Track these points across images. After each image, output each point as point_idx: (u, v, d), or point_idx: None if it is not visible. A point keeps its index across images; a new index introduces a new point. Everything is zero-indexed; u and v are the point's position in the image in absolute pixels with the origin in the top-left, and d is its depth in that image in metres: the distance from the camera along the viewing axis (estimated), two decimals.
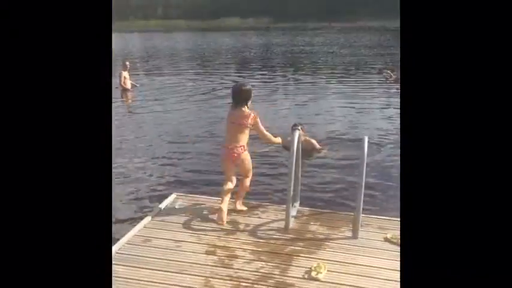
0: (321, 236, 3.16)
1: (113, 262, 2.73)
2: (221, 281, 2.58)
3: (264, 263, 2.79)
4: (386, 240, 3.11)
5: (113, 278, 2.39)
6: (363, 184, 3.11)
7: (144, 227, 3.21)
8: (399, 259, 2.76)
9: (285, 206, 3.37)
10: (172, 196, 3.76)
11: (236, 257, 2.85)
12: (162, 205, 3.56)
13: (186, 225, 3.25)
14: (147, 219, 3.31)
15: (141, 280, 2.56)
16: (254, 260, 2.82)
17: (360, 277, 2.66)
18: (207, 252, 2.89)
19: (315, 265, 2.75)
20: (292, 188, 3.24)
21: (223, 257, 2.83)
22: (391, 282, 2.61)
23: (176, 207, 3.54)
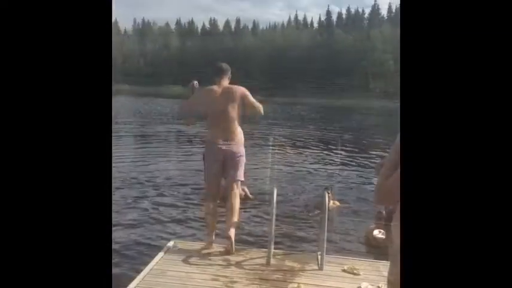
0: (296, 269, 4.12)
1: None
2: None
3: (257, 285, 3.68)
4: (344, 271, 4.11)
5: None
6: (326, 227, 4.16)
7: (157, 263, 4.02)
8: (354, 283, 3.79)
9: (263, 248, 4.35)
10: (171, 242, 4.58)
11: (235, 282, 3.73)
12: (164, 249, 4.36)
13: (190, 262, 4.09)
14: (159, 256, 4.13)
15: None
16: (250, 283, 3.71)
17: None
18: (213, 279, 3.75)
19: (295, 286, 3.69)
20: (273, 230, 4.22)
21: (226, 282, 3.70)
22: None
23: (177, 249, 4.37)
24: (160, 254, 4.26)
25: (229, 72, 4.48)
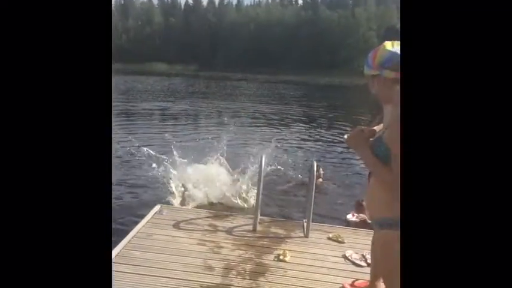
0: (282, 236, 4.14)
1: (129, 249, 3.50)
2: (215, 261, 3.44)
3: (243, 251, 3.69)
4: (329, 238, 4.14)
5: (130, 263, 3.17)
6: (313, 195, 4.17)
7: (143, 226, 3.99)
8: (339, 250, 3.83)
9: (249, 215, 4.35)
10: (157, 206, 4.55)
11: (222, 247, 3.73)
12: (150, 213, 4.34)
13: (176, 227, 4.07)
14: (146, 219, 4.10)
15: (156, 260, 3.34)
16: (235, 249, 3.71)
17: (314, 260, 3.65)
18: (199, 244, 3.74)
19: (281, 252, 3.70)
20: (260, 198, 4.21)
21: (212, 247, 3.70)
22: (334, 263, 3.63)
23: (164, 213, 4.35)
24: (147, 218, 4.23)
25: None
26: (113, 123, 12.50)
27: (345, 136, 2.13)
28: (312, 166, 4.29)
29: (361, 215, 5.39)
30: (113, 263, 3.22)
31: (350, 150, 10.12)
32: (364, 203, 5.44)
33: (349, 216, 5.51)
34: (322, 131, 13.96)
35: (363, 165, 8.87)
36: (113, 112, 15.53)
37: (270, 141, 11.31)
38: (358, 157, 8.65)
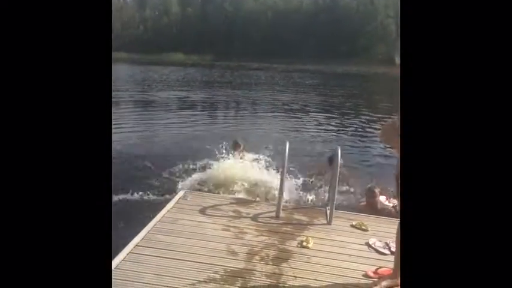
0: (304, 222, 4.14)
1: (154, 233, 3.55)
2: (238, 246, 3.47)
3: (267, 237, 3.71)
4: (352, 226, 4.13)
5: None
6: (337, 183, 4.16)
7: (168, 211, 4.04)
8: (362, 238, 3.81)
9: (273, 201, 4.37)
10: (182, 192, 4.61)
11: (245, 233, 3.75)
12: (175, 199, 4.39)
13: (201, 212, 4.12)
14: (170, 204, 4.16)
15: (181, 244, 3.39)
16: (259, 235, 3.73)
17: (337, 247, 3.65)
18: (223, 229, 3.77)
19: (304, 238, 3.71)
20: (283, 185, 4.22)
21: (236, 233, 3.73)
22: (357, 250, 3.62)
23: (188, 199, 4.40)
24: (172, 203, 4.29)
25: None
26: (126, 112, 12.81)
27: (378, 131, 2.15)
28: (336, 153, 4.26)
29: (394, 200, 5.30)
30: (135, 247, 3.29)
31: (368, 137, 10.14)
32: (376, 190, 5.41)
33: (383, 200, 5.43)
34: (337, 119, 13.87)
35: (376, 153, 8.81)
36: (128, 100, 15.85)
37: (291, 129, 11.41)
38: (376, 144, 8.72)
